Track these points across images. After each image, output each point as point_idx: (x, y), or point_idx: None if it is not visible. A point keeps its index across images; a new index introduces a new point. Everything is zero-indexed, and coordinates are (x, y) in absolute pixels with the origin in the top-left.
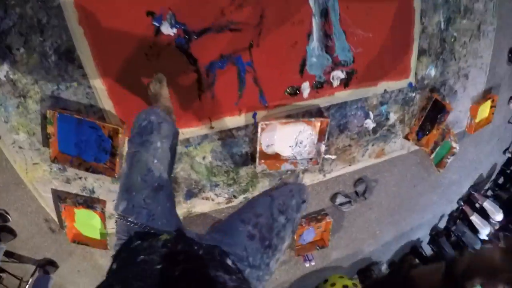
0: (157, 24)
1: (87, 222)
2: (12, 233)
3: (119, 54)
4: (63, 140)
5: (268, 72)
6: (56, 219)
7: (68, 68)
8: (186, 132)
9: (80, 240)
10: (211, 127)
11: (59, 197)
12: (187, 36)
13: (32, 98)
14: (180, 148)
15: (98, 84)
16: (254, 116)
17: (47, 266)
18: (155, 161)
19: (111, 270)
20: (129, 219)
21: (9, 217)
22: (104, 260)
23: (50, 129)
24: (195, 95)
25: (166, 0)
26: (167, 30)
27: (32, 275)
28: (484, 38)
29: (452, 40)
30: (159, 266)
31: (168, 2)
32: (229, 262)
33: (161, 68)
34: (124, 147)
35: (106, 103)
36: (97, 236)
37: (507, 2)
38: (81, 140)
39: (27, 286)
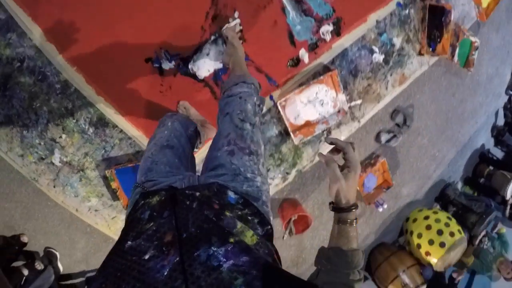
0: (157, 65)
1: None
2: None
3: (140, 101)
4: (128, 189)
5: (264, 58)
6: None
7: (106, 131)
8: None
9: None
10: None
11: None
12: (185, 61)
13: (89, 168)
14: None
15: (135, 132)
16: (271, 98)
17: None
18: (166, 131)
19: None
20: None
21: None
22: None
23: (114, 184)
24: (215, 104)
25: (155, 42)
26: (167, 65)
27: None
28: None
29: None
30: (146, 257)
31: (157, 43)
32: (230, 194)
33: (178, 96)
34: None
35: None
36: None
37: None
38: None
39: None
